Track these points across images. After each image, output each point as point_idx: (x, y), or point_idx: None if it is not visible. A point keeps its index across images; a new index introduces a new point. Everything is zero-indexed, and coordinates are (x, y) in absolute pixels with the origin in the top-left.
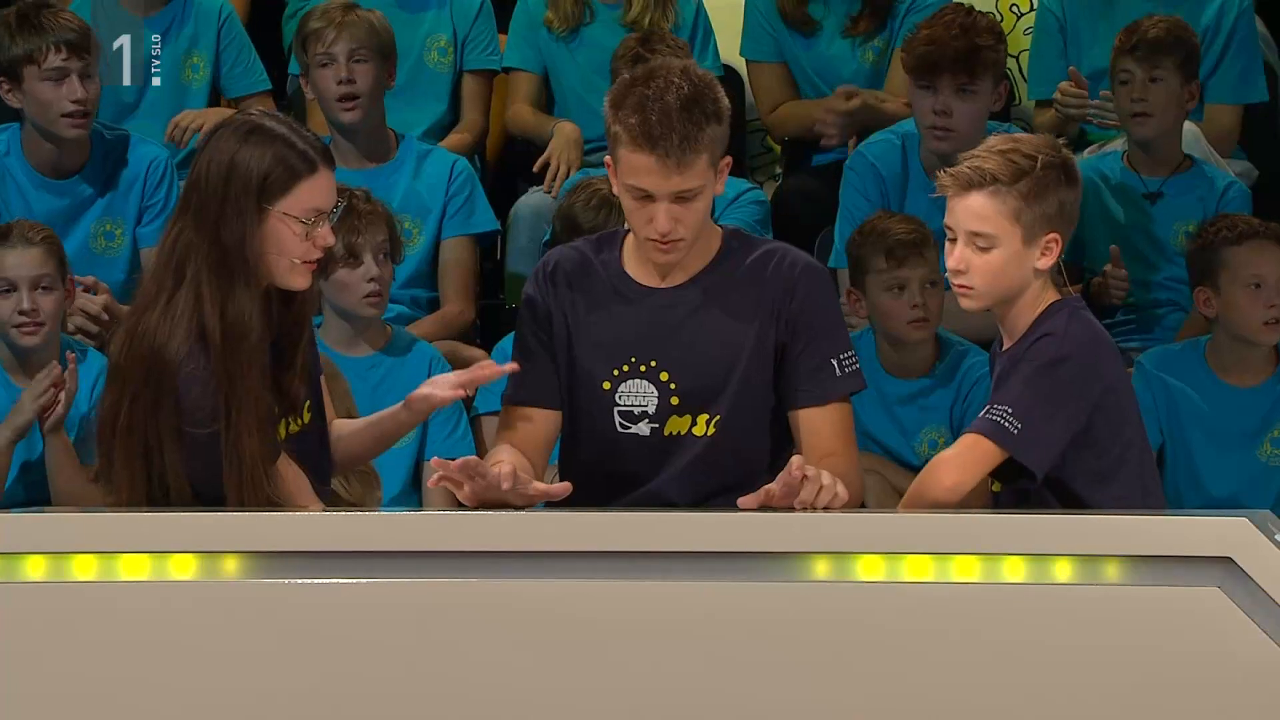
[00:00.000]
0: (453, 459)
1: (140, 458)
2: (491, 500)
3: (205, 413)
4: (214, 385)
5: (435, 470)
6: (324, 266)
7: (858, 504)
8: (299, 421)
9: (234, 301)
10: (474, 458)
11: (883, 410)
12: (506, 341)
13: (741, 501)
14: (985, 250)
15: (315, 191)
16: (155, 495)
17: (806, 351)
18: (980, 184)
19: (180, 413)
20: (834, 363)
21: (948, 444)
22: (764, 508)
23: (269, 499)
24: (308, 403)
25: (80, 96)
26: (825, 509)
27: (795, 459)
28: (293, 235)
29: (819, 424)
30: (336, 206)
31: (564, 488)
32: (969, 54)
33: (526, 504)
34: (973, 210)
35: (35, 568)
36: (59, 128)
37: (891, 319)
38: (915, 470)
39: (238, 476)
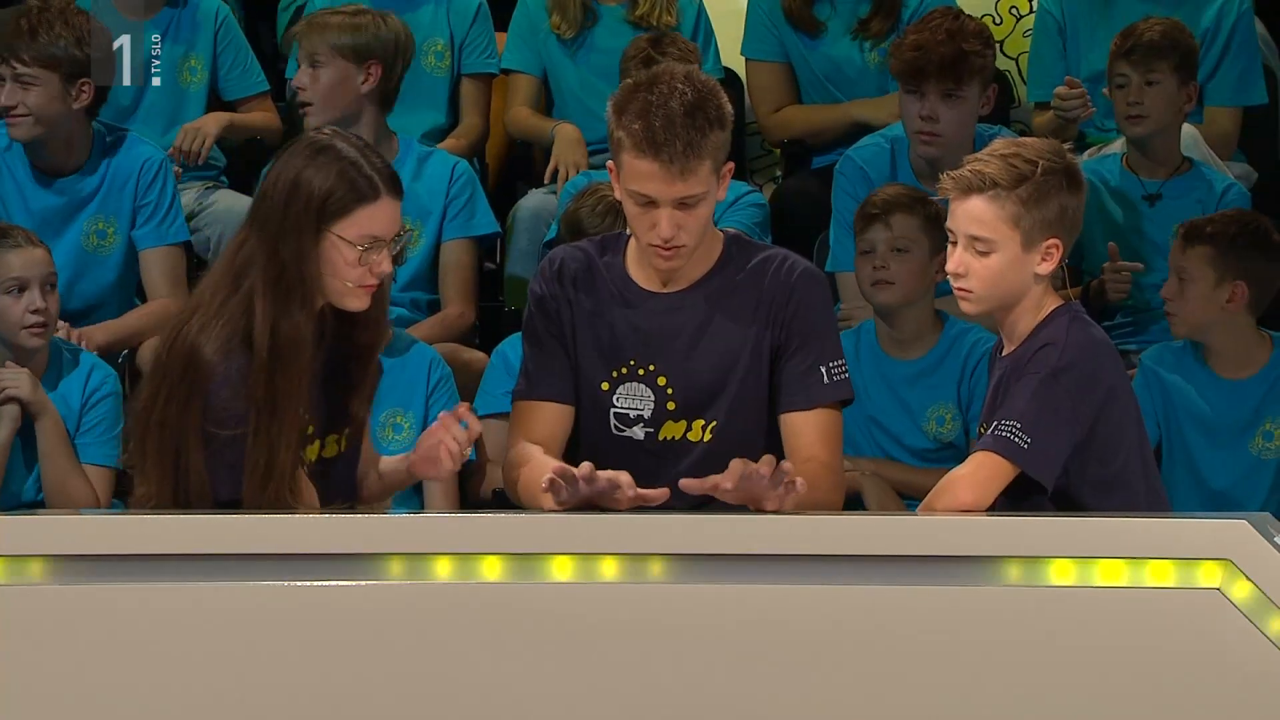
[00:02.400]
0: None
1: (170, 454)
2: (588, 503)
3: (229, 415)
4: (245, 392)
5: (550, 474)
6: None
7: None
8: (339, 444)
9: (288, 319)
10: (589, 465)
11: (888, 393)
12: (506, 345)
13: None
14: (984, 254)
15: (374, 219)
16: (180, 494)
17: (797, 355)
18: (980, 188)
19: (206, 412)
20: (823, 369)
21: (954, 419)
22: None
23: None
24: (348, 429)
25: (1, 102)
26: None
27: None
28: (347, 259)
29: (802, 427)
30: (399, 235)
31: (663, 493)
32: (956, 60)
33: (629, 506)
34: (972, 214)
35: (35, 570)
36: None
37: (860, 281)
38: (920, 456)
39: (264, 486)
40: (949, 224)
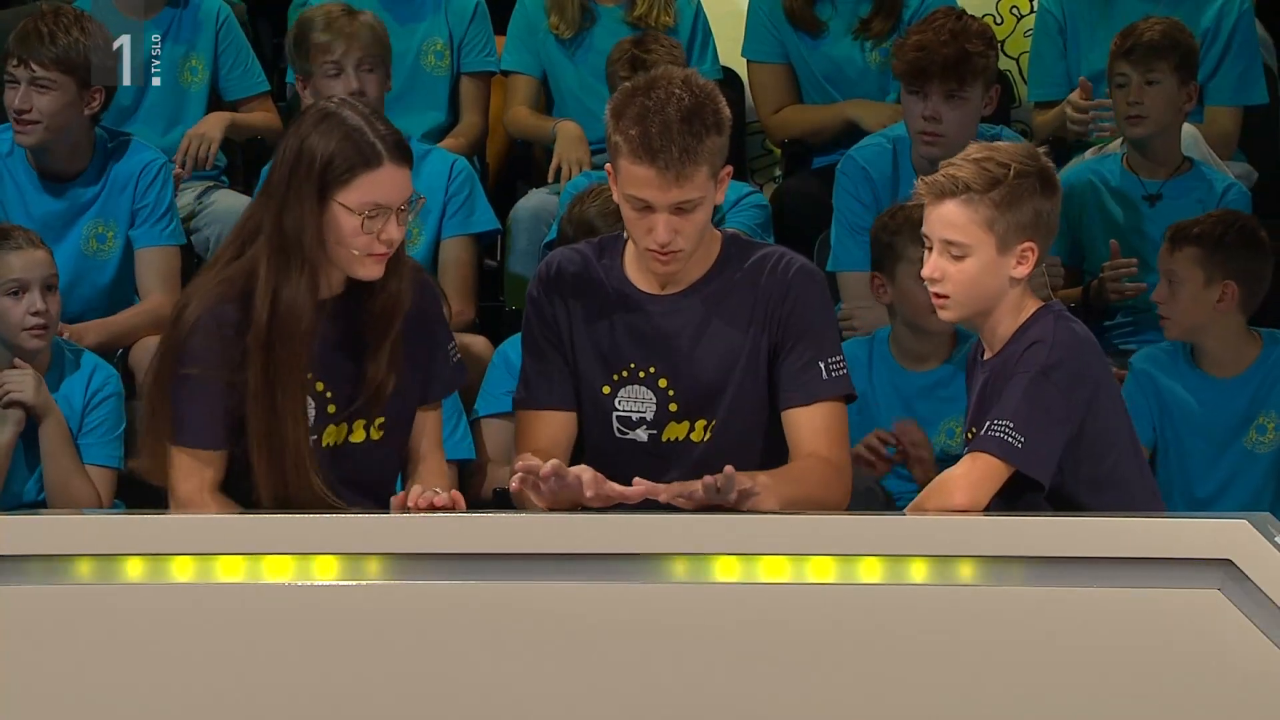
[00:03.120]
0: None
1: (156, 406)
2: (567, 504)
3: (189, 354)
4: (221, 339)
5: (518, 472)
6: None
7: (843, 507)
8: (367, 431)
9: (289, 286)
10: (558, 462)
11: (901, 405)
12: (507, 344)
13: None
14: (959, 259)
15: (376, 186)
16: (156, 445)
17: (794, 352)
18: (953, 192)
19: (177, 355)
20: (821, 365)
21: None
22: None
23: (317, 491)
24: (382, 420)
25: (14, 106)
26: (748, 510)
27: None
28: (350, 227)
29: (803, 423)
30: (409, 203)
31: (640, 491)
32: (959, 61)
33: (604, 505)
34: (946, 218)
35: (35, 571)
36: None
37: (923, 308)
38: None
39: (276, 462)
40: (924, 229)
